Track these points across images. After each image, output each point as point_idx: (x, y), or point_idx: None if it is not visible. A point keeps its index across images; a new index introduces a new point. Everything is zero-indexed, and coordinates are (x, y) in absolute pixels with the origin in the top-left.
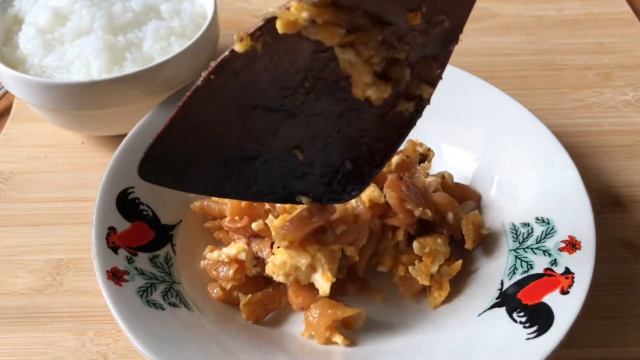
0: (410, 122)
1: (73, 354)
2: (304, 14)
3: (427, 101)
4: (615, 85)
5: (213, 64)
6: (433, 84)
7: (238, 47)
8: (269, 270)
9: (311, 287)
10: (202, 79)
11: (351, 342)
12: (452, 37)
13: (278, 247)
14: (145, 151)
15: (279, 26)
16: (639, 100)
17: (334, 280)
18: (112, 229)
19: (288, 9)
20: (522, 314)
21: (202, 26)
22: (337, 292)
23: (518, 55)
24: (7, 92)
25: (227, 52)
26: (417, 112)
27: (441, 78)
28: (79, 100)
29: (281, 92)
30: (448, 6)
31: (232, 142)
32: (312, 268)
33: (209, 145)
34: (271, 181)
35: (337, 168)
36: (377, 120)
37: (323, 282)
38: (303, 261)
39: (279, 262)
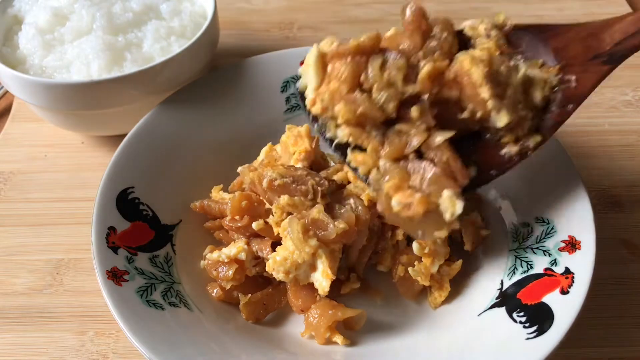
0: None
1: (73, 354)
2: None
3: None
4: (615, 85)
5: None
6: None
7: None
8: (269, 267)
9: (311, 289)
10: None
11: (351, 342)
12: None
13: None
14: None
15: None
16: (639, 100)
17: (334, 277)
18: (112, 229)
19: None
20: (522, 314)
21: (202, 26)
22: (337, 293)
23: None
24: (7, 92)
25: None
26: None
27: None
28: (79, 100)
29: None
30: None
31: None
32: (311, 267)
33: None
34: None
35: None
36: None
37: (323, 279)
38: (307, 250)
39: (280, 258)
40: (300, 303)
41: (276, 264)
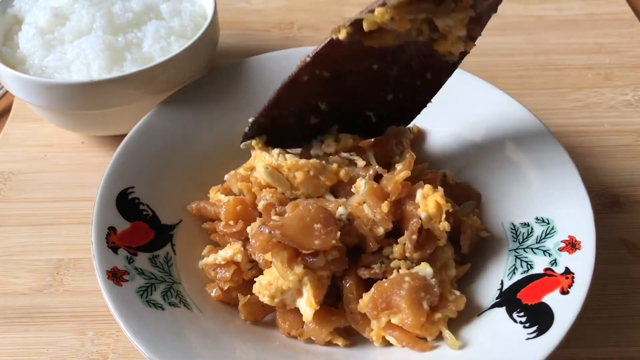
0: (453, 67)
1: (73, 354)
2: (387, 16)
3: (467, 53)
4: (615, 85)
5: (314, 52)
6: (474, 40)
7: (340, 36)
8: (255, 290)
9: (299, 312)
10: (306, 61)
11: (351, 343)
12: (496, 5)
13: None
14: (253, 120)
15: (366, 26)
16: (639, 100)
17: (318, 308)
18: (112, 229)
19: (372, 11)
20: (522, 314)
21: (202, 26)
22: (338, 299)
23: (518, 55)
24: (7, 92)
25: (326, 42)
26: (460, 60)
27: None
28: (79, 100)
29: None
30: None
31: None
32: (298, 292)
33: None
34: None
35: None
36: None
37: (307, 307)
38: (291, 278)
39: (265, 282)
40: (287, 326)
41: (261, 288)
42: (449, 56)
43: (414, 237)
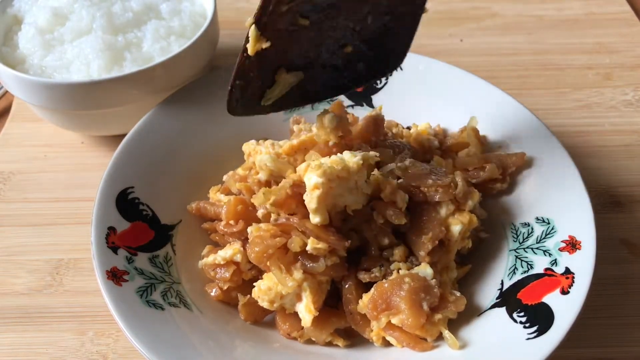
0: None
1: (73, 354)
2: None
3: None
4: (615, 85)
5: None
6: None
7: None
8: (254, 294)
9: (299, 314)
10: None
11: (351, 343)
12: None
13: None
14: (229, 87)
15: None
16: (639, 100)
17: (317, 314)
18: (111, 229)
19: None
20: (522, 314)
21: (202, 26)
22: (338, 300)
23: (518, 55)
24: (7, 92)
25: None
26: None
27: None
28: (79, 100)
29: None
30: None
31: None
32: (297, 297)
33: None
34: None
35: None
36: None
37: (306, 313)
38: (290, 284)
39: (264, 287)
40: (287, 327)
41: (261, 293)
42: None
43: (430, 245)
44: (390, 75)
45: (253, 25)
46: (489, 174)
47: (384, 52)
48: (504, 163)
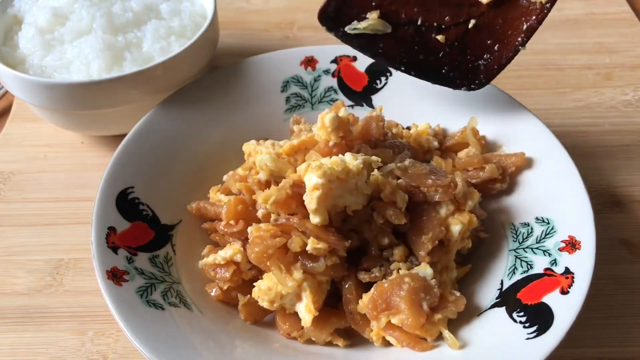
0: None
1: (73, 353)
2: None
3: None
4: (615, 85)
5: None
6: None
7: None
8: (254, 294)
9: (299, 314)
10: None
11: (351, 343)
12: None
13: None
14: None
15: None
16: (639, 100)
17: (316, 314)
18: (112, 229)
19: None
20: (522, 314)
21: (202, 26)
22: (338, 300)
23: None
24: (7, 92)
25: None
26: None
27: None
28: (79, 100)
29: None
30: None
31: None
32: (297, 297)
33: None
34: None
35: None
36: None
37: (306, 313)
38: (290, 284)
39: (264, 287)
40: (287, 327)
41: (261, 293)
42: None
43: (430, 245)
44: (457, 88)
45: None
46: (489, 174)
47: (467, 65)
48: (504, 163)
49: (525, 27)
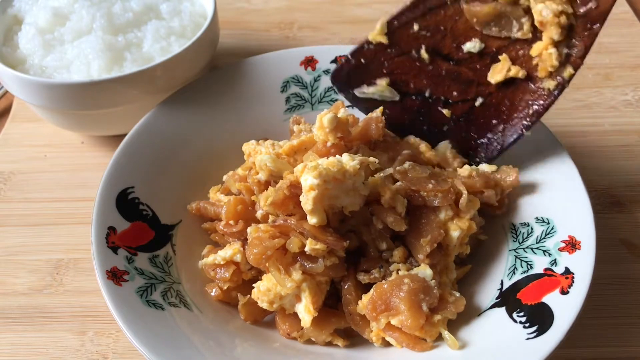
0: (549, 99)
1: (73, 354)
2: None
3: (566, 83)
4: (615, 85)
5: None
6: (575, 68)
7: None
8: (254, 295)
9: (298, 315)
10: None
11: (351, 343)
12: (597, 19)
13: None
14: (347, 55)
15: None
16: (639, 100)
17: (316, 314)
18: (112, 229)
19: None
20: (522, 314)
21: (202, 26)
22: (338, 300)
23: None
24: (7, 92)
25: None
26: (558, 91)
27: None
28: (79, 100)
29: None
30: None
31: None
32: (297, 298)
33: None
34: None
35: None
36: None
37: (305, 314)
38: (289, 285)
39: (263, 288)
40: (287, 327)
41: (260, 294)
42: (545, 80)
43: (429, 248)
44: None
45: (384, 19)
46: (487, 199)
47: (469, 142)
48: (500, 185)
49: (531, 111)
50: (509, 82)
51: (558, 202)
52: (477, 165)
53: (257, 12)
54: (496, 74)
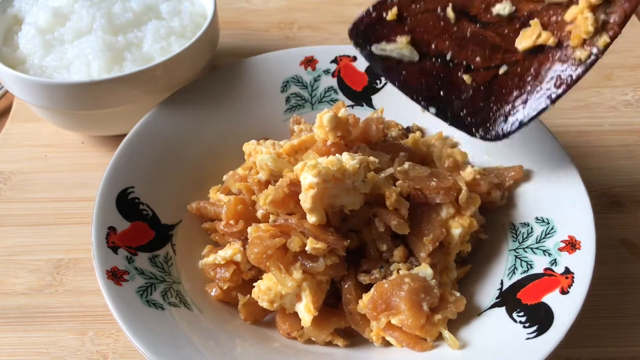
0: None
1: (73, 353)
2: None
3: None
4: (615, 85)
5: None
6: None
7: None
8: (254, 295)
9: (298, 315)
10: None
11: (351, 343)
12: None
13: None
14: (368, 8)
15: None
16: (639, 100)
17: (316, 314)
18: (112, 229)
19: None
20: (522, 313)
21: (202, 26)
22: (338, 300)
23: None
24: (7, 92)
25: None
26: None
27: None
28: (79, 100)
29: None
30: None
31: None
32: (297, 297)
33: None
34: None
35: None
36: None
37: (305, 313)
38: (290, 284)
39: (264, 287)
40: (287, 327)
41: (260, 293)
42: (578, 49)
43: (431, 246)
44: (472, 136)
45: None
46: (493, 200)
47: (487, 114)
48: (501, 178)
49: (559, 82)
50: (537, 50)
51: (558, 202)
52: (492, 141)
53: (257, 12)
54: (524, 40)
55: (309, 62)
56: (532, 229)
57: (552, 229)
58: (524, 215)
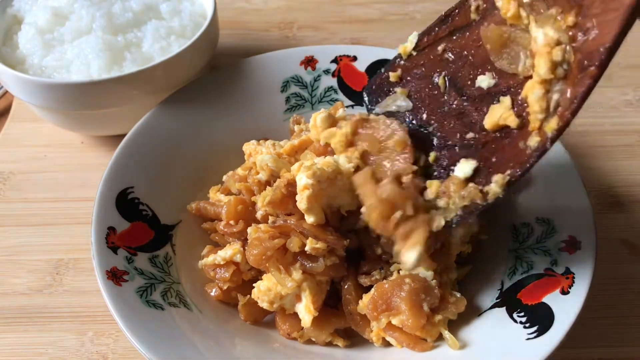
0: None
1: (73, 354)
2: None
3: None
4: (616, 85)
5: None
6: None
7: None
8: (254, 295)
9: (298, 315)
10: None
11: (351, 343)
12: (593, 57)
13: None
14: (382, 71)
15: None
16: (639, 101)
17: (316, 314)
18: (111, 229)
19: None
20: (522, 314)
21: (201, 26)
22: (338, 301)
23: None
24: (7, 92)
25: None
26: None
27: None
28: (79, 100)
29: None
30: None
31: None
32: (297, 297)
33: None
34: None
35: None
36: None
37: (305, 313)
38: (289, 284)
39: (264, 288)
40: (287, 328)
41: (260, 293)
42: (534, 134)
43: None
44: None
45: (415, 33)
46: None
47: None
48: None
49: (510, 171)
50: (502, 130)
51: (558, 202)
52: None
53: (256, 11)
54: (490, 118)
55: (309, 62)
56: (532, 229)
57: (552, 229)
58: (524, 215)
